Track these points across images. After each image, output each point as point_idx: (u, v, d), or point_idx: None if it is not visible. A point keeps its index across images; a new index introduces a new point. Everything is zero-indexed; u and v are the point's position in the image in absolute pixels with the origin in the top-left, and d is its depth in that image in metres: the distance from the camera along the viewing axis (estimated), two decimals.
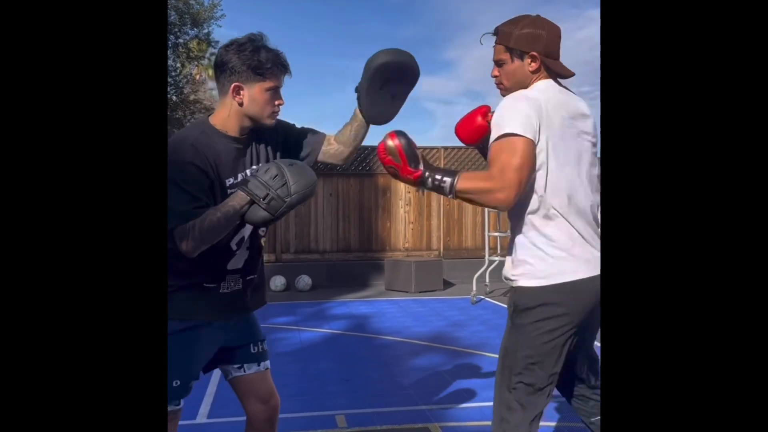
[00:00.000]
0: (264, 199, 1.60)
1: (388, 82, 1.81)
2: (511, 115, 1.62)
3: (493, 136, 1.65)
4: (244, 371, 1.90)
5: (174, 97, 11.66)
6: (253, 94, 1.70)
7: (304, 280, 8.10)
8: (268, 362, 1.96)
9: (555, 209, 1.68)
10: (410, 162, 1.69)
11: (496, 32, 1.79)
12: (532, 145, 1.62)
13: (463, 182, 1.65)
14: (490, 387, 3.70)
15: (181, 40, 11.51)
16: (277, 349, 4.81)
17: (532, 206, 1.69)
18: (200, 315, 1.75)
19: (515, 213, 1.75)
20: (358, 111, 1.88)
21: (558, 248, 1.68)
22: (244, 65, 1.68)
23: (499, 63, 1.80)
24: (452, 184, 1.65)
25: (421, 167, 1.69)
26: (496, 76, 1.82)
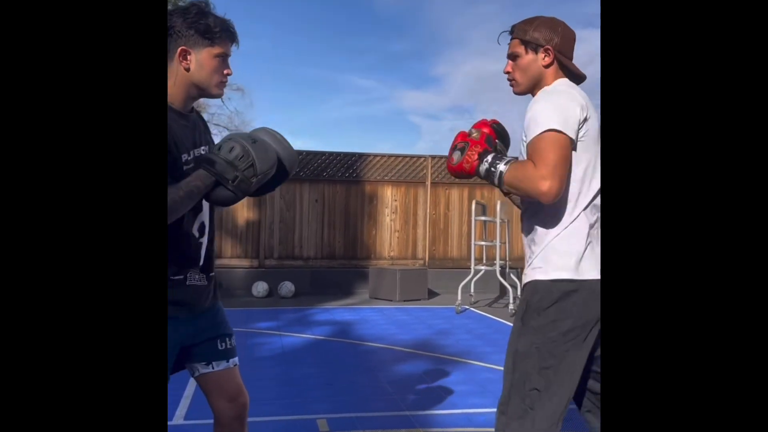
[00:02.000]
0: (232, 181, 1.53)
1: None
2: (553, 112, 1.62)
3: (535, 130, 1.63)
4: (213, 368, 1.80)
5: None
6: (201, 59, 1.63)
7: (287, 287, 7.98)
8: (236, 359, 1.86)
9: (582, 208, 1.67)
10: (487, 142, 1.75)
11: (512, 30, 1.81)
12: (571, 143, 1.62)
13: (513, 170, 1.65)
14: (477, 394, 3.66)
15: None
16: (258, 354, 4.69)
17: (561, 203, 1.67)
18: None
19: (536, 211, 1.72)
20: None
21: (580, 246, 1.66)
22: (191, 28, 1.61)
23: (513, 56, 1.80)
24: (501, 173, 1.66)
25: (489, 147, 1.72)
26: (509, 72, 1.82)
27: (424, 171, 8.91)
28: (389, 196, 8.82)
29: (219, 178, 1.53)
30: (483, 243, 7.66)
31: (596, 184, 1.69)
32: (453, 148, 1.77)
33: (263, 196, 8.24)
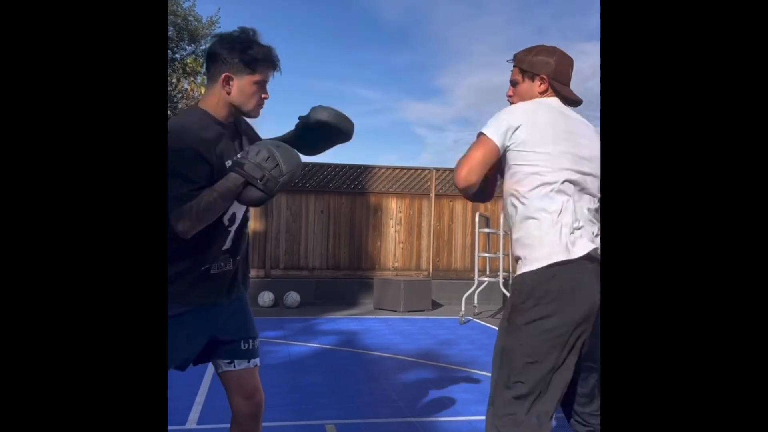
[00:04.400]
0: (260, 180, 1.67)
1: (327, 139, 2.02)
2: (492, 121, 1.85)
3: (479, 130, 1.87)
4: (234, 366, 1.92)
5: (168, 112, 11.70)
6: (242, 85, 1.77)
7: (293, 297, 8.08)
8: (258, 360, 1.98)
9: (544, 203, 1.78)
10: None
11: (514, 57, 2.00)
12: (495, 148, 1.82)
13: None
14: (480, 402, 3.75)
15: (177, 56, 11.57)
16: (265, 362, 4.75)
17: (531, 204, 1.79)
18: (191, 300, 1.77)
19: (516, 211, 1.84)
20: (290, 136, 2.04)
21: (544, 236, 1.77)
22: (236, 57, 1.75)
23: (513, 83, 2.01)
24: None
25: None
26: (510, 96, 2.02)
27: (429, 183, 9.03)
28: (394, 208, 8.94)
29: (248, 178, 1.67)
30: (486, 255, 7.76)
31: (560, 176, 1.78)
32: None
33: (267, 206, 8.37)
